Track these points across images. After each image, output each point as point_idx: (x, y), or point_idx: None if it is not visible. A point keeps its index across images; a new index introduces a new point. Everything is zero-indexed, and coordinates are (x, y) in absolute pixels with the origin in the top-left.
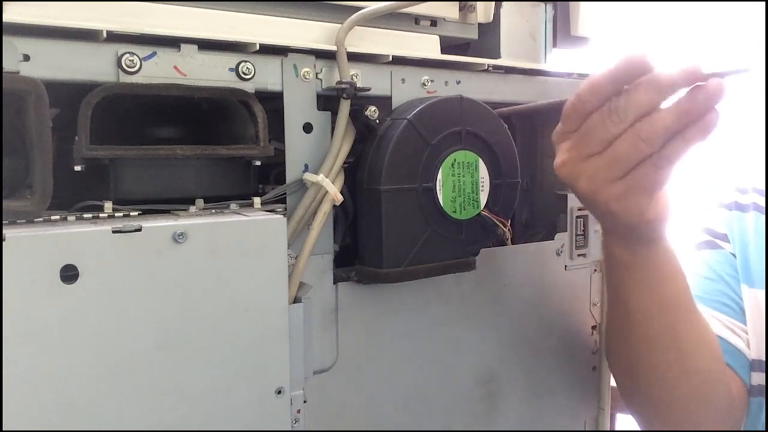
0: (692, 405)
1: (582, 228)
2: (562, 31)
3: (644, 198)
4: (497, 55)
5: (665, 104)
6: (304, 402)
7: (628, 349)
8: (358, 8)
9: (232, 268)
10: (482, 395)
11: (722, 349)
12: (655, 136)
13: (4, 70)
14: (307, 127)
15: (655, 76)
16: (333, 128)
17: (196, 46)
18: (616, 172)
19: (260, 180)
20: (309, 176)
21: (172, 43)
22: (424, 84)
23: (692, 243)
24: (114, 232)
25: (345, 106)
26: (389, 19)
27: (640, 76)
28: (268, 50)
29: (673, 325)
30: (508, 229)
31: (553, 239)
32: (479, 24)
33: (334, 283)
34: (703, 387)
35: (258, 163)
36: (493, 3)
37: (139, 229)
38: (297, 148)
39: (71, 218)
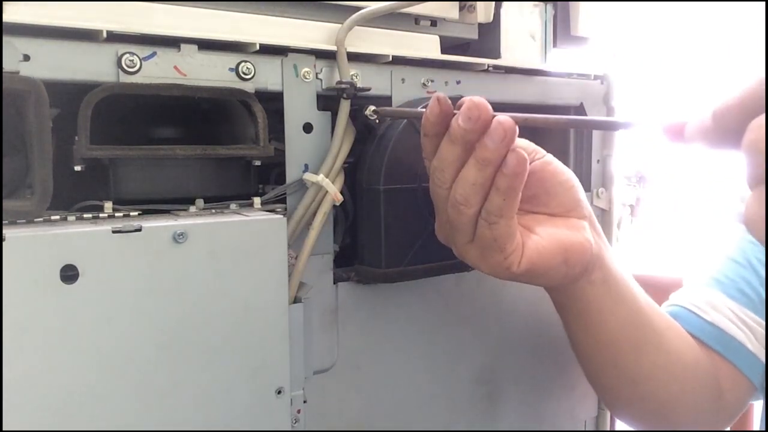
0: (654, 422)
1: None
2: (562, 31)
3: (497, 255)
4: (497, 55)
5: None
6: (304, 402)
7: (584, 371)
8: (358, 8)
9: (232, 268)
10: (482, 395)
11: (727, 345)
12: (468, 195)
13: (4, 70)
14: (307, 127)
15: (450, 127)
16: (333, 128)
17: (196, 46)
18: (463, 237)
19: (260, 180)
20: (309, 176)
21: (172, 43)
22: (424, 84)
23: (732, 213)
24: (114, 232)
25: (345, 106)
26: (389, 19)
27: (444, 125)
28: (268, 50)
29: (615, 360)
30: None
31: None
32: (479, 24)
33: (334, 283)
34: (662, 408)
35: (258, 163)
36: (493, 3)
37: (139, 229)
38: (297, 148)
39: (71, 218)
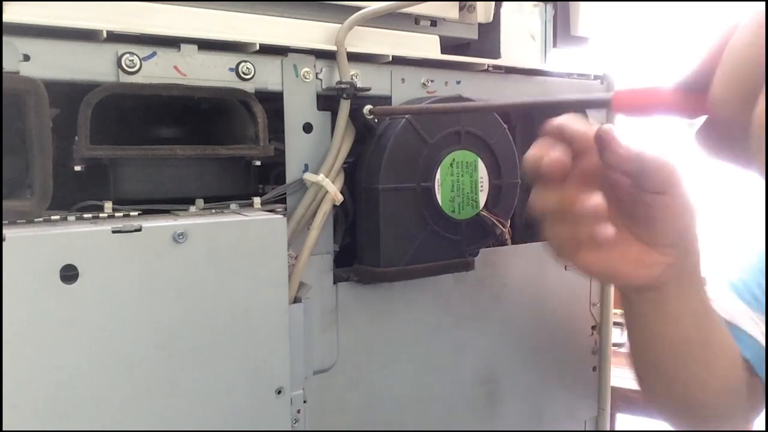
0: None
1: None
2: (562, 31)
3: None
4: (497, 55)
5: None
6: (304, 402)
7: (639, 382)
8: (358, 8)
9: (232, 267)
10: (482, 395)
11: (747, 345)
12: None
13: (4, 70)
14: (307, 127)
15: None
16: (333, 128)
17: (196, 46)
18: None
19: (260, 180)
20: (309, 176)
21: (172, 43)
22: (424, 84)
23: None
24: (114, 232)
25: (345, 106)
26: (389, 19)
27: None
28: (268, 50)
29: (659, 370)
30: (508, 230)
31: None
32: (479, 24)
33: (334, 283)
34: (709, 417)
35: (258, 163)
36: (493, 3)
37: (139, 229)
38: (297, 148)
39: (71, 218)
